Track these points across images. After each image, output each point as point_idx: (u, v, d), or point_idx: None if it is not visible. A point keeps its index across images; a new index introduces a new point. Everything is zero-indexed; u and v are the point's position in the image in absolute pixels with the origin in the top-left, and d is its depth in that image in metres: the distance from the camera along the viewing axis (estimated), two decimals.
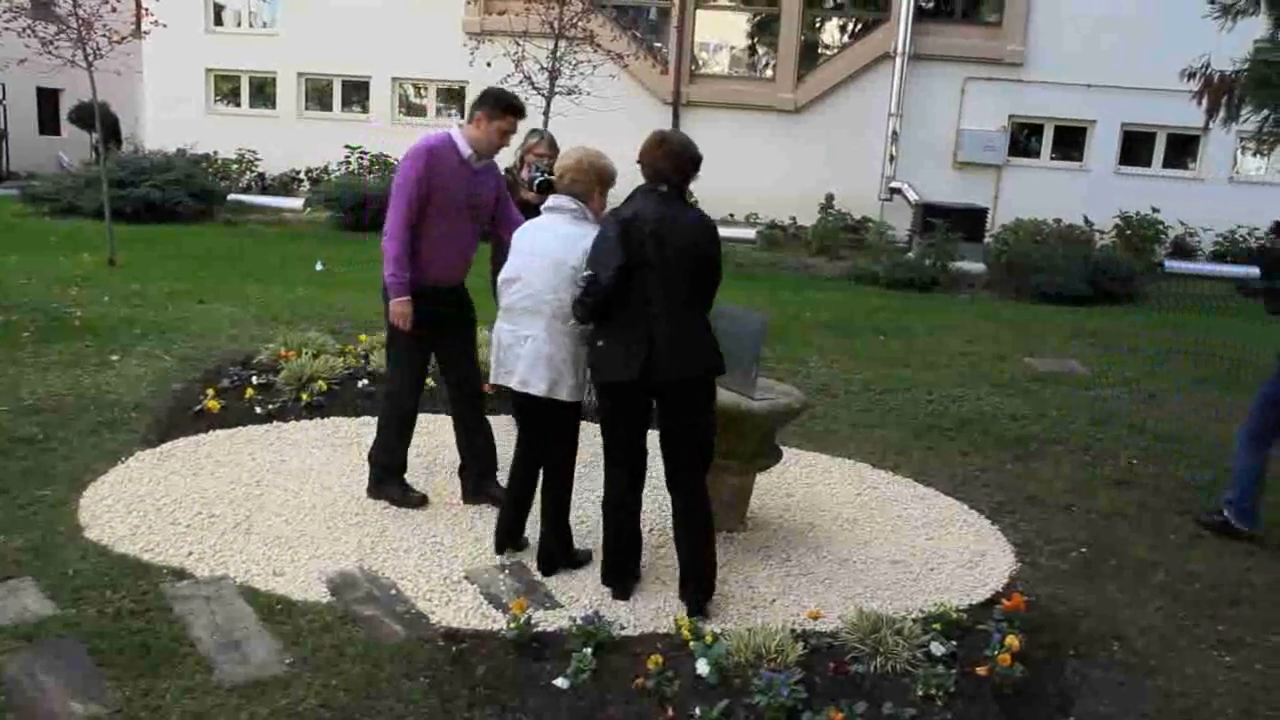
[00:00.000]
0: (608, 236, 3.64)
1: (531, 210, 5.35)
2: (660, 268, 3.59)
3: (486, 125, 4.42)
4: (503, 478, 4.82)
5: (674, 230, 3.62)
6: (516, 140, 5.37)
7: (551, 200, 3.96)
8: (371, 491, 4.72)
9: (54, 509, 4.40)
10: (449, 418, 5.08)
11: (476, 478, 4.77)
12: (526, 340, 3.86)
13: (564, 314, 3.80)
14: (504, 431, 5.03)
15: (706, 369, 3.75)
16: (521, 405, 4.05)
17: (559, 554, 4.09)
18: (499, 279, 4.03)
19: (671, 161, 3.70)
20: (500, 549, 4.24)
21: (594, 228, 3.84)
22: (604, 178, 3.96)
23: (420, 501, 4.65)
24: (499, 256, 4.57)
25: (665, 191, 3.69)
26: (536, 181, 5.38)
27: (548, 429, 4.02)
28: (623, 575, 3.96)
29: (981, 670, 3.36)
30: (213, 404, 5.73)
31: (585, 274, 3.66)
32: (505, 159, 5.39)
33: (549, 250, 3.84)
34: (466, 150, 4.44)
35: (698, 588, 3.85)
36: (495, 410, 5.13)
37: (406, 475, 4.77)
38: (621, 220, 3.63)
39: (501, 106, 4.42)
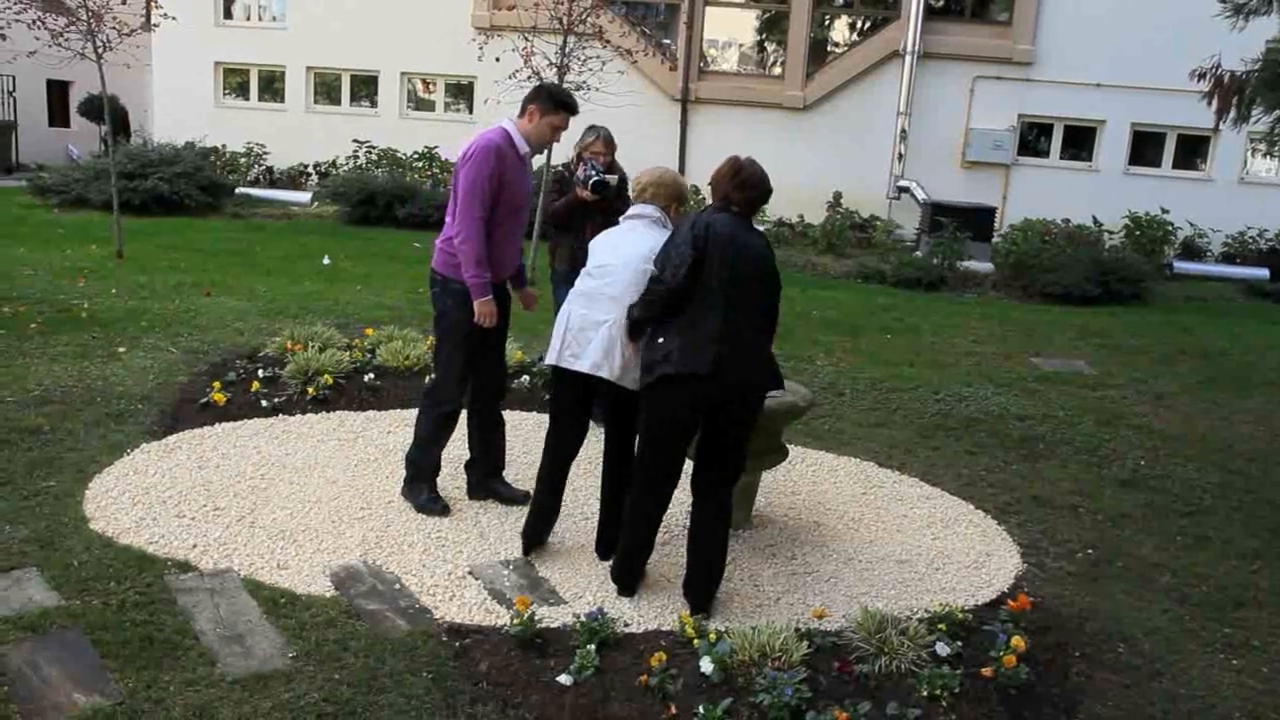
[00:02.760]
0: (680, 236, 3.75)
1: (587, 209, 5.35)
2: (730, 279, 3.67)
3: (539, 120, 4.39)
4: (506, 476, 4.85)
5: (744, 246, 3.73)
6: (572, 137, 5.38)
7: (635, 209, 4.12)
8: (403, 490, 4.68)
9: (59, 500, 4.41)
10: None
11: (484, 474, 4.76)
12: (602, 325, 3.91)
13: None
14: (511, 430, 5.02)
15: (772, 380, 3.83)
16: (578, 394, 4.06)
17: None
18: (584, 270, 4.12)
19: (743, 193, 3.82)
20: (527, 551, 4.22)
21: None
22: (681, 194, 4.19)
23: (443, 512, 4.54)
24: None
25: (736, 212, 3.81)
26: (591, 181, 5.37)
27: (618, 417, 4.08)
28: (634, 575, 3.96)
29: (986, 671, 3.36)
30: (219, 397, 5.74)
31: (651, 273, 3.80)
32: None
33: (635, 248, 3.95)
34: (524, 147, 4.42)
35: (704, 587, 3.84)
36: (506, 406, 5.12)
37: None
38: (698, 223, 3.73)
39: (556, 102, 4.41)
